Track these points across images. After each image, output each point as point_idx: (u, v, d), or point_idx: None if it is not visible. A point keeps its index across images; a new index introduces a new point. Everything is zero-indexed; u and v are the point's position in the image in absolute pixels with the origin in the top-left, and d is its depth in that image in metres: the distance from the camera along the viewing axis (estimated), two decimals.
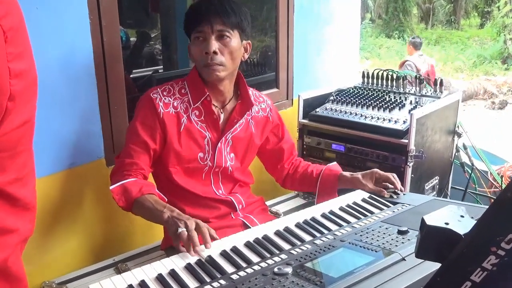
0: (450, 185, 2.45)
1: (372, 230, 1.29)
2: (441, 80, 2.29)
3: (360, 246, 1.20)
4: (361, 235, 1.26)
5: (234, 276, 1.11)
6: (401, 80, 2.36)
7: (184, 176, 1.63)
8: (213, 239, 1.30)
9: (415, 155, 1.95)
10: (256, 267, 1.14)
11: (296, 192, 2.27)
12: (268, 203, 2.05)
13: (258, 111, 1.77)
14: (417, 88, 2.32)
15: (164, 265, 1.20)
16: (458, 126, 2.36)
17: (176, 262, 1.22)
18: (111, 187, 1.50)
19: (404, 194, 1.61)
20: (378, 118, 2.11)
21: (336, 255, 1.18)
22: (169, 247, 1.62)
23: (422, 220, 0.72)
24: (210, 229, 1.31)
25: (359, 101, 2.25)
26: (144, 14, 2.91)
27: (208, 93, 1.60)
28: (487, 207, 0.65)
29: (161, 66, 3.00)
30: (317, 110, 2.28)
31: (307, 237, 1.33)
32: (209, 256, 1.23)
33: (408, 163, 1.95)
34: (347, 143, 2.16)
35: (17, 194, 0.85)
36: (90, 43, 1.68)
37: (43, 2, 1.53)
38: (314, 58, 2.73)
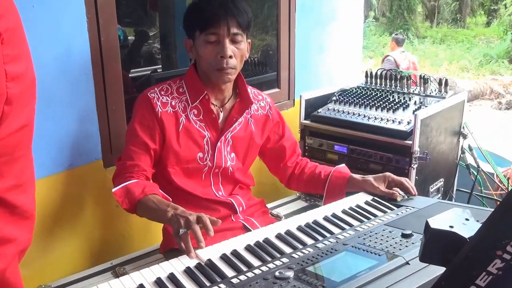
0: (455, 188, 2.43)
1: (376, 234, 1.27)
2: (446, 80, 2.27)
3: (363, 250, 1.18)
4: (364, 239, 1.25)
5: (235, 280, 1.10)
6: (405, 80, 2.35)
7: (183, 177, 1.62)
8: (215, 225, 1.29)
9: (419, 157, 1.93)
10: (257, 271, 1.13)
11: (297, 194, 2.24)
12: (269, 205, 2.03)
13: (258, 109, 1.74)
14: (422, 88, 2.30)
15: (163, 269, 1.19)
16: (463, 127, 2.34)
17: (175, 266, 1.20)
18: (113, 190, 1.49)
19: (409, 197, 1.58)
20: (381, 119, 2.08)
21: (339, 259, 1.16)
22: (168, 250, 1.60)
23: (426, 223, 0.71)
24: (212, 218, 1.30)
25: (362, 102, 2.23)
26: (142, 13, 2.91)
27: (206, 92, 1.59)
28: (492, 210, 0.65)
29: (160, 66, 2.99)
30: (319, 110, 2.26)
31: (309, 241, 1.31)
32: (209, 260, 1.22)
33: (412, 165, 1.93)
34: (350, 144, 2.14)
35: (15, 201, 0.83)
36: (87, 42, 1.67)
37: (40, 0, 1.52)
38: (316, 57, 2.72)
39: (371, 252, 1.16)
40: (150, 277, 1.15)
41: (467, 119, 2.38)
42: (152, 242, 1.83)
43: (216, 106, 1.64)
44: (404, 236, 1.23)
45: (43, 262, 1.68)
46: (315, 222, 1.42)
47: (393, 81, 2.39)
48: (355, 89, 2.41)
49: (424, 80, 2.30)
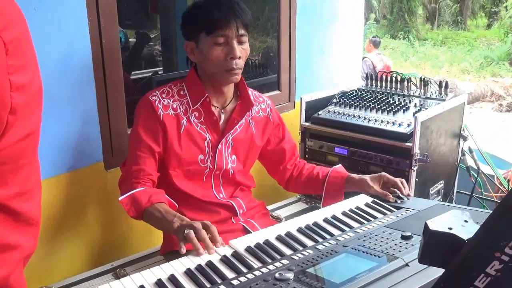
0: (455, 190, 2.42)
1: (375, 235, 1.27)
2: (446, 82, 2.27)
3: (363, 252, 1.18)
4: (364, 240, 1.25)
5: (235, 282, 1.10)
6: (406, 82, 2.35)
7: (184, 180, 1.62)
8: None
9: (419, 159, 1.93)
10: (257, 273, 1.13)
11: (298, 196, 2.24)
12: (270, 207, 2.03)
13: (258, 111, 1.75)
14: (422, 91, 2.30)
15: (163, 270, 1.19)
16: (463, 129, 2.34)
17: (176, 267, 1.20)
18: (120, 198, 1.49)
19: (408, 199, 1.58)
20: (382, 121, 2.08)
21: (339, 261, 1.16)
22: (169, 252, 1.61)
23: (425, 225, 0.71)
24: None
25: (363, 104, 2.23)
26: (143, 15, 2.90)
27: (207, 94, 1.59)
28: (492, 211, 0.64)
29: (161, 68, 2.99)
30: (320, 112, 2.26)
31: (309, 242, 1.31)
32: (209, 261, 1.22)
33: (412, 167, 1.93)
34: (350, 146, 2.14)
35: (20, 209, 0.83)
36: (88, 44, 1.67)
37: (41, 3, 1.52)
38: (316, 59, 2.71)
39: (371, 254, 1.16)
40: (150, 278, 1.15)
41: (468, 121, 2.38)
42: (153, 243, 1.82)
43: (217, 108, 1.64)
44: (404, 238, 1.22)
45: (44, 263, 1.68)
46: (315, 224, 1.41)
47: (393, 84, 2.39)
48: (356, 91, 2.41)
49: (425, 83, 2.30)
